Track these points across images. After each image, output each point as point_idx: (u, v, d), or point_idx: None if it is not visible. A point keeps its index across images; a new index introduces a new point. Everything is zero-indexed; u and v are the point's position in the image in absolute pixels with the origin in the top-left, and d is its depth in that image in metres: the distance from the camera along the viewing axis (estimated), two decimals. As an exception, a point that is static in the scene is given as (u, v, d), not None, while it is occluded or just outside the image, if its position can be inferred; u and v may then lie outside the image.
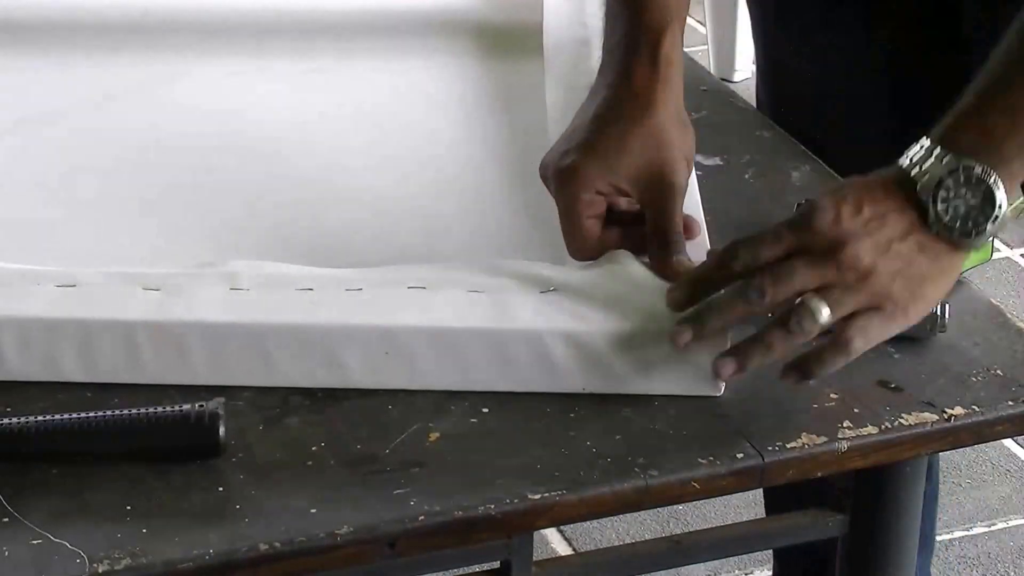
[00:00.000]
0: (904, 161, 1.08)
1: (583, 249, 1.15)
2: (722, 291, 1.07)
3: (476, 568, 1.09)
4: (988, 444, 2.20)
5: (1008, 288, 2.66)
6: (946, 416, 1.08)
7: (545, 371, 1.09)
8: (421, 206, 1.26)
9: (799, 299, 1.05)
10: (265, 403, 1.08)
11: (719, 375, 1.07)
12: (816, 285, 1.05)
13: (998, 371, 1.12)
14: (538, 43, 1.42)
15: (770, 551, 2.06)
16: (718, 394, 1.10)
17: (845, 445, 1.06)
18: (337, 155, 1.33)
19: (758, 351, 1.06)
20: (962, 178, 1.05)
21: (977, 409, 1.09)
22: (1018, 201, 1.08)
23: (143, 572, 0.95)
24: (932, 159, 1.06)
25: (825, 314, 1.04)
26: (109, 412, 1.03)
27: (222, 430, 1.03)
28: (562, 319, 1.09)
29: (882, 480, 1.15)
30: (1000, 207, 1.06)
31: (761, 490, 2.07)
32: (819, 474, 1.08)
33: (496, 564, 1.08)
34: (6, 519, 0.98)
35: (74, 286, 1.10)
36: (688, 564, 1.19)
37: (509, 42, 1.47)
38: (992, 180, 1.06)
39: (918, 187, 1.06)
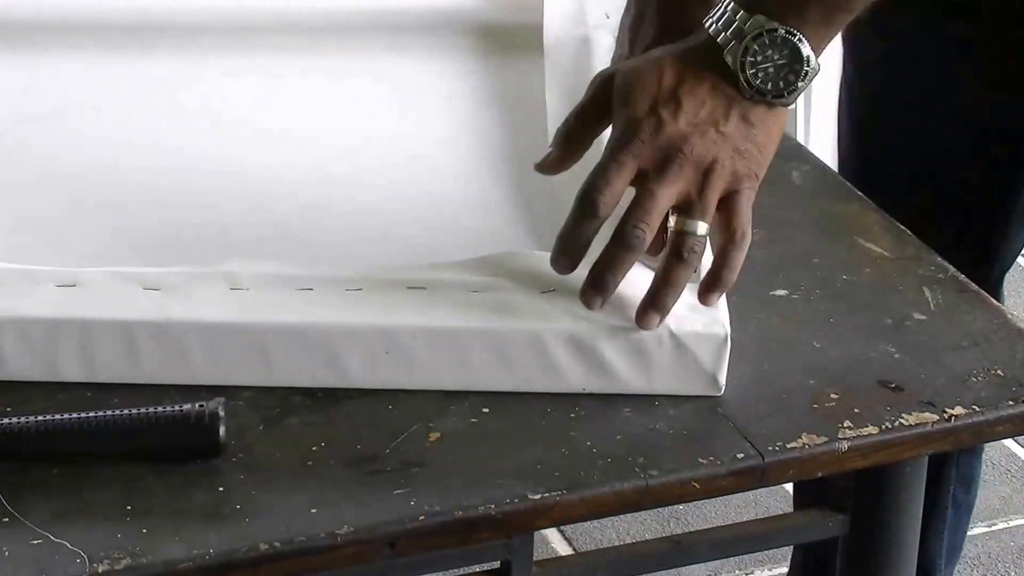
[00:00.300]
0: (708, 24, 1.09)
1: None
2: (605, 249, 1.08)
3: (476, 568, 1.09)
4: (989, 444, 2.19)
5: (1008, 288, 2.66)
6: (947, 416, 1.08)
7: (545, 371, 1.09)
8: (422, 205, 1.26)
9: (673, 230, 1.07)
10: (265, 403, 1.08)
11: (647, 328, 1.07)
12: (677, 199, 1.07)
13: (999, 371, 1.12)
14: (538, 42, 1.42)
15: (772, 551, 2.06)
16: (718, 394, 1.10)
17: (845, 445, 1.06)
18: (337, 154, 1.32)
19: (669, 291, 1.07)
20: (767, 40, 1.07)
21: (978, 409, 1.09)
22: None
23: (143, 572, 0.95)
24: (736, 22, 1.08)
25: (702, 227, 1.07)
26: (109, 412, 1.03)
27: (222, 430, 1.03)
28: (562, 319, 1.09)
29: (883, 480, 1.16)
30: (808, 61, 1.08)
31: (761, 490, 2.07)
32: (819, 474, 1.08)
33: (496, 564, 1.08)
34: (6, 519, 0.98)
35: (74, 286, 1.10)
36: (688, 564, 1.19)
37: (509, 41, 1.47)
38: (797, 38, 1.07)
39: (725, 55, 1.08)
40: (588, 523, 2.10)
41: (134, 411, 1.03)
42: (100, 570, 0.95)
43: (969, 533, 2.04)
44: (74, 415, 1.03)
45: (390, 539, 0.99)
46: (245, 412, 1.07)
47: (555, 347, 1.09)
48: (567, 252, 1.09)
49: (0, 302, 1.08)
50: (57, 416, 1.03)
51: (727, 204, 1.09)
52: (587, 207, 1.07)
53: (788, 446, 1.05)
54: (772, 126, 1.10)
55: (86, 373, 1.08)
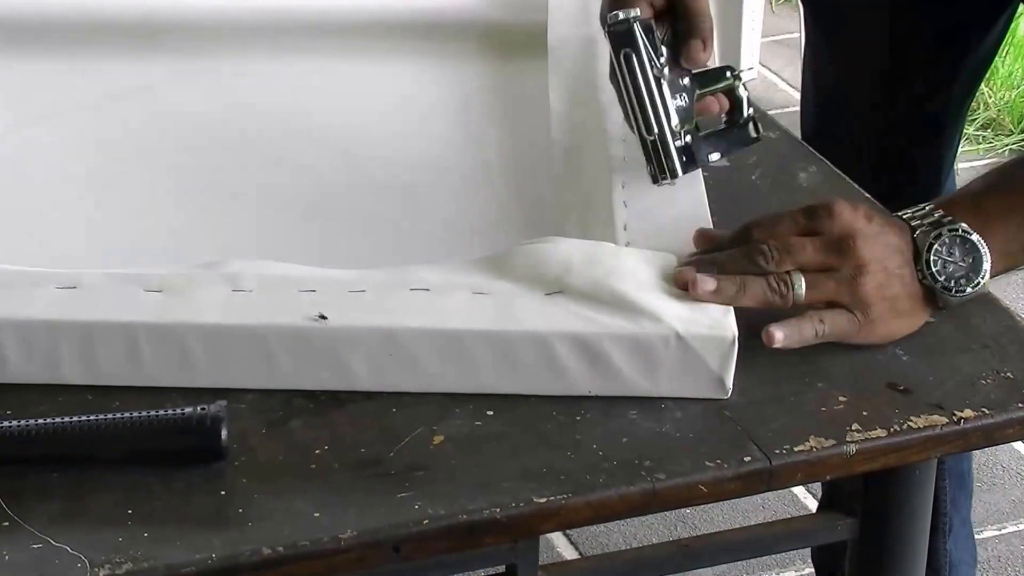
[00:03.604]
0: (905, 212, 1.15)
1: None
2: (731, 243, 1.13)
3: (481, 572, 1.09)
4: (998, 447, 2.19)
5: (1018, 291, 2.66)
6: (956, 419, 1.08)
7: (550, 373, 1.08)
8: (424, 206, 1.26)
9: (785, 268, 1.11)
10: (268, 406, 1.07)
11: (698, 286, 1.10)
12: (816, 267, 1.11)
13: (1008, 374, 1.12)
14: (542, 42, 1.42)
15: (780, 555, 2.06)
16: (725, 396, 1.09)
17: (853, 448, 1.05)
18: (340, 156, 1.32)
19: (732, 287, 1.10)
20: (956, 238, 1.13)
21: (987, 412, 1.09)
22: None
23: (144, 576, 0.95)
24: (931, 217, 1.14)
25: (801, 286, 1.10)
26: (110, 415, 1.03)
27: (224, 433, 1.02)
28: (568, 321, 1.08)
29: (891, 483, 1.15)
30: (984, 275, 1.13)
31: (769, 494, 2.07)
32: (827, 477, 1.09)
33: (502, 568, 1.08)
34: (6, 523, 0.98)
35: (75, 288, 1.09)
36: (695, 568, 1.19)
37: (513, 41, 1.47)
38: (983, 249, 1.13)
39: (916, 233, 1.13)
40: (594, 527, 2.09)
41: (135, 414, 1.03)
42: (101, 574, 0.94)
43: (979, 536, 2.04)
44: (75, 418, 1.03)
45: (394, 543, 0.98)
46: (247, 415, 1.06)
47: (560, 349, 1.08)
48: (700, 242, 1.14)
49: (0, 304, 1.08)
50: (58, 419, 1.02)
51: (831, 309, 1.12)
52: (741, 237, 1.13)
53: (796, 449, 1.05)
54: (919, 311, 1.14)
55: (87, 376, 1.08)
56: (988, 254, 1.13)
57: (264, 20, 1.50)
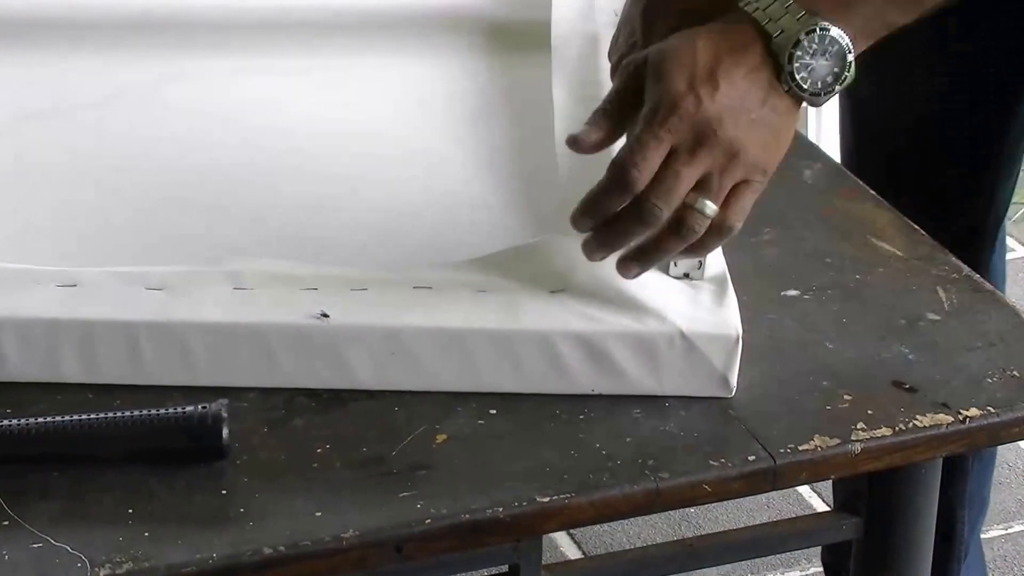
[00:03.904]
0: (749, 6, 1.08)
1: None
2: (621, 213, 1.07)
3: (484, 572, 1.09)
4: (1004, 446, 2.18)
5: (1023, 288, 2.65)
6: (961, 417, 1.07)
7: (554, 372, 1.08)
8: (428, 204, 1.25)
9: (682, 203, 1.07)
10: (269, 404, 1.07)
11: (625, 276, 1.08)
12: (697, 179, 1.07)
13: (1014, 372, 1.11)
14: (546, 39, 1.41)
15: (784, 555, 2.05)
16: (730, 395, 1.09)
17: (858, 447, 1.05)
18: (342, 153, 1.32)
19: (656, 255, 1.08)
20: (816, 38, 1.06)
21: (993, 410, 1.08)
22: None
23: (145, 576, 0.94)
24: (784, 12, 1.07)
25: (711, 210, 1.07)
26: (111, 414, 1.02)
27: (226, 432, 1.02)
28: (571, 320, 1.08)
29: (896, 482, 1.15)
30: (850, 67, 1.08)
31: (774, 493, 2.06)
32: (832, 477, 1.08)
33: (505, 568, 1.08)
34: (6, 522, 0.97)
35: (75, 286, 1.09)
36: (699, 568, 1.18)
37: (516, 38, 1.46)
38: (846, 43, 1.07)
39: (772, 43, 1.07)
40: (598, 526, 2.09)
41: (136, 413, 1.02)
42: (101, 574, 0.94)
43: (985, 536, 2.03)
44: (75, 417, 1.02)
45: (397, 543, 0.98)
46: (249, 414, 1.06)
47: (564, 348, 1.08)
48: (590, 215, 1.08)
49: (0, 302, 1.07)
50: (58, 418, 1.02)
51: (732, 191, 1.08)
52: (621, 179, 1.07)
53: (800, 448, 1.05)
54: (792, 122, 1.10)
55: (87, 374, 1.08)
56: (851, 46, 1.07)
57: (266, 16, 1.49)
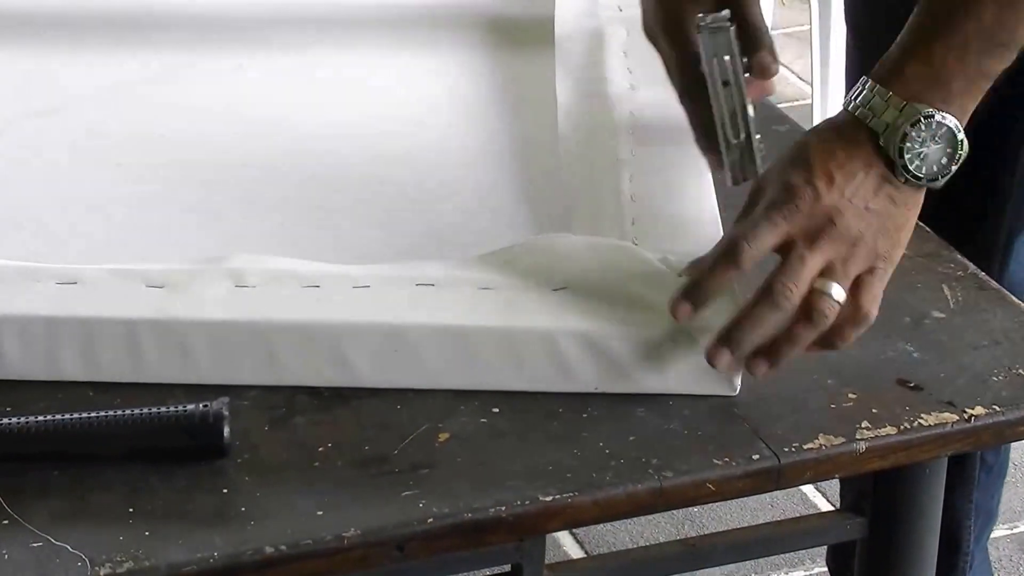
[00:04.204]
0: (851, 105, 1.10)
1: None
2: (750, 306, 1.07)
3: (486, 572, 1.08)
4: (1010, 445, 2.18)
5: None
6: (966, 416, 1.07)
7: (557, 370, 1.08)
8: (429, 201, 1.25)
9: (811, 287, 1.07)
10: (271, 403, 1.07)
11: (753, 374, 1.07)
12: (821, 266, 1.07)
13: (1019, 370, 1.11)
14: (549, 35, 1.41)
15: (788, 555, 2.05)
16: (734, 393, 1.08)
17: (863, 446, 1.05)
18: (343, 149, 1.32)
19: (787, 347, 1.07)
20: (923, 127, 1.07)
21: (998, 409, 1.08)
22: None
23: (146, 575, 0.94)
24: (886, 106, 1.09)
25: (839, 293, 1.07)
26: (111, 412, 1.02)
27: (227, 430, 1.02)
28: (574, 318, 1.08)
29: (901, 482, 1.14)
30: (962, 146, 1.08)
31: (778, 492, 2.05)
32: (837, 476, 1.07)
33: (507, 567, 1.07)
34: (6, 521, 0.97)
35: (75, 283, 1.09)
36: (703, 568, 1.18)
37: (519, 33, 1.46)
38: (953, 125, 1.08)
39: (881, 139, 1.08)
40: (601, 526, 2.09)
41: (137, 411, 1.02)
42: (102, 573, 0.94)
43: (991, 536, 2.03)
44: (75, 415, 1.02)
45: (398, 542, 0.97)
46: (250, 412, 1.06)
47: (567, 346, 1.07)
48: (692, 298, 1.08)
49: (0, 299, 1.07)
50: (58, 416, 1.02)
51: (860, 281, 1.08)
52: (731, 255, 1.07)
53: (805, 447, 1.04)
54: (913, 208, 1.10)
55: (88, 372, 1.07)
56: (960, 125, 1.08)
57: (267, 11, 1.49)
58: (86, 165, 1.29)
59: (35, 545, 0.95)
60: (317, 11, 1.49)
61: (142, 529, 0.96)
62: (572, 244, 1.13)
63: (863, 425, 1.06)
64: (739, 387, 1.08)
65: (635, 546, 2.06)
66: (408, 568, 1.01)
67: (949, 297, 1.18)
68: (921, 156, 1.08)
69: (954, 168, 1.09)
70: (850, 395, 1.08)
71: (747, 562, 2.02)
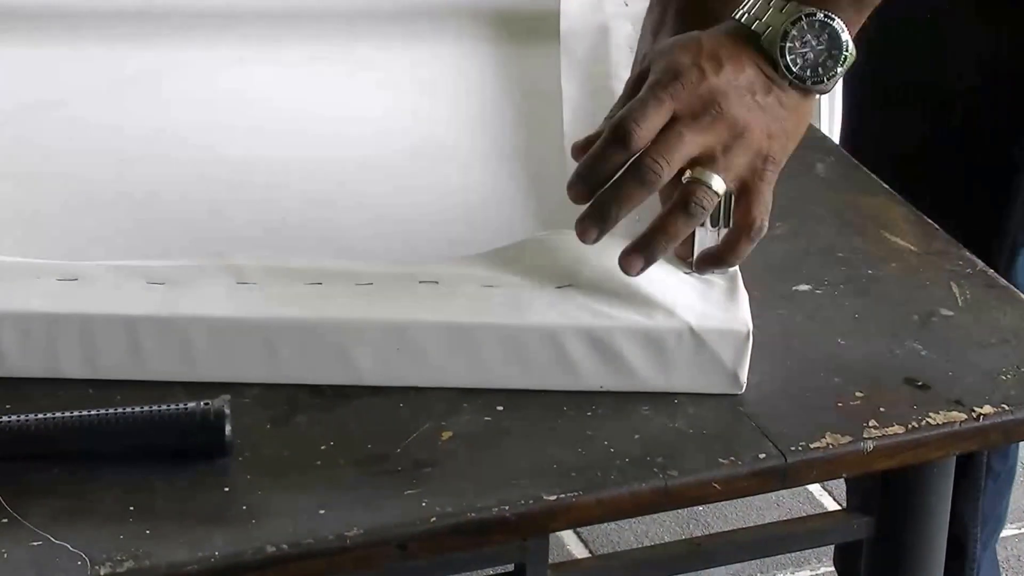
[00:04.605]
0: (740, 14, 1.09)
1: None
2: (615, 178, 1.06)
3: (490, 571, 1.08)
4: (1019, 444, 2.17)
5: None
6: (975, 415, 1.06)
7: (561, 368, 1.07)
8: (434, 196, 1.25)
9: (688, 178, 1.06)
10: (272, 401, 1.06)
11: (629, 272, 1.06)
12: (701, 150, 1.05)
13: (1029, 369, 1.11)
14: (555, 30, 1.41)
15: (794, 554, 2.05)
16: (740, 392, 1.08)
17: (871, 445, 1.04)
18: (347, 144, 1.31)
19: (661, 240, 1.06)
20: (805, 25, 1.07)
21: (1007, 408, 1.07)
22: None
23: (146, 575, 0.94)
24: (771, 10, 1.08)
25: (718, 182, 1.05)
26: (111, 410, 1.02)
27: (228, 429, 1.01)
28: (579, 315, 1.07)
29: (909, 481, 1.14)
30: (846, 46, 1.07)
31: (784, 491, 2.05)
32: (844, 475, 1.07)
33: (511, 567, 1.07)
34: (5, 520, 0.97)
35: (76, 280, 1.08)
36: (708, 567, 1.17)
37: (524, 28, 1.46)
38: (835, 23, 1.07)
39: (763, 40, 1.07)
40: (605, 525, 2.09)
41: (137, 409, 1.02)
42: (102, 573, 0.93)
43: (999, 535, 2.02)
44: (75, 413, 1.01)
45: (401, 541, 0.97)
46: (252, 410, 1.05)
47: (572, 344, 1.07)
48: (586, 180, 1.07)
49: (-1, 296, 1.07)
50: (58, 414, 1.01)
51: (748, 189, 1.07)
52: (620, 136, 1.05)
53: (811, 446, 1.04)
54: (803, 115, 1.09)
55: (88, 369, 1.07)
56: (843, 26, 1.07)
57: (270, 5, 1.49)
58: (86, 159, 1.29)
59: (34, 544, 0.95)
60: (320, 3, 1.49)
61: (142, 528, 0.96)
62: (576, 240, 1.12)
63: (870, 424, 1.05)
64: (745, 385, 1.08)
65: (640, 545, 2.06)
66: (411, 568, 1.01)
67: (957, 295, 1.18)
68: (804, 56, 1.07)
69: (839, 70, 1.07)
70: (857, 394, 1.08)
71: (753, 561, 2.02)
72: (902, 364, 1.10)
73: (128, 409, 1.02)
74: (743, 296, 1.10)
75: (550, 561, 1.07)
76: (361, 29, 1.47)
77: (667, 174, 1.05)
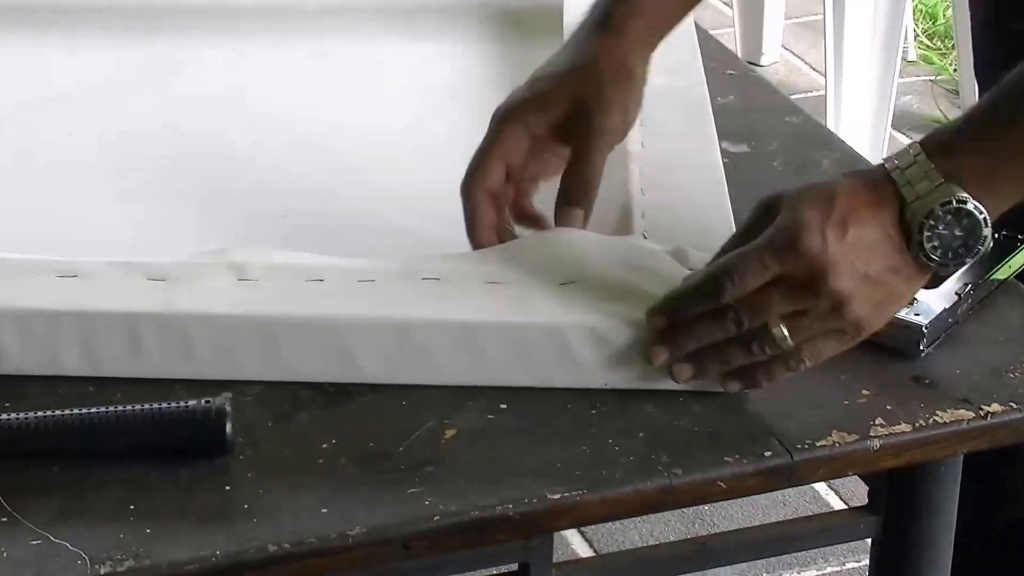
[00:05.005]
0: (889, 164, 1.05)
1: (472, 184, 1.14)
2: (701, 315, 1.05)
3: (493, 571, 1.07)
4: None
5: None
6: (983, 413, 1.06)
7: (565, 366, 1.07)
8: (437, 193, 1.25)
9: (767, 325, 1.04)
10: (274, 399, 1.06)
11: (675, 378, 1.06)
12: (790, 312, 1.04)
13: (1037, 366, 1.10)
14: (558, 25, 1.40)
15: (801, 553, 2.04)
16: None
17: (877, 443, 1.04)
18: (349, 140, 1.32)
19: (715, 364, 1.05)
20: (953, 211, 1.03)
21: (1015, 406, 1.07)
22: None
23: (147, 574, 0.93)
24: (924, 177, 1.04)
25: (788, 342, 1.04)
26: (112, 408, 1.01)
27: (229, 427, 1.01)
28: (583, 312, 1.07)
29: (916, 480, 1.13)
30: (984, 242, 1.04)
31: (790, 490, 2.04)
32: (850, 473, 1.06)
33: (514, 566, 1.06)
34: (5, 519, 0.96)
35: (76, 276, 1.08)
36: (714, 567, 1.17)
37: (528, 24, 1.46)
38: (982, 216, 1.03)
39: (907, 209, 1.04)
40: (609, 524, 2.08)
41: (138, 407, 1.01)
42: (102, 572, 0.93)
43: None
44: (75, 411, 1.01)
45: (404, 540, 0.97)
46: (253, 408, 1.05)
47: (576, 341, 1.06)
48: (667, 313, 1.05)
49: (-1, 293, 1.07)
50: (58, 412, 1.01)
51: (817, 337, 1.05)
52: (711, 288, 1.04)
53: (818, 444, 1.03)
54: (913, 286, 1.06)
55: (88, 367, 1.07)
56: (988, 219, 1.03)
57: (273, 1, 1.49)
58: (85, 156, 1.29)
59: (34, 543, 0.94)
60: (323, 0, 1.49)
61: (143, 527, 0.96)
62: (580, 238, 1.12)
63: (877, 422, 1.05)
64: (751, 383, 1.07)
65: (644, 545, 2.06)
66: (413, 567, 1.00)
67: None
68: (943, 240, 1.03)
69: (968, 261, 1.04)
70: (864, 391, 1.07)
71: (758, 561, 2.01)
72: (908, 362, 1.10)
73: (128, 407, 1.01)
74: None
75: (554, 560, 1.06)
76: (363, 25, 1.47)
77: (746, 328, 1.04)
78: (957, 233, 1.03)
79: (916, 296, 1.10)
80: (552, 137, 1.15)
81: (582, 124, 1.14)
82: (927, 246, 1.03)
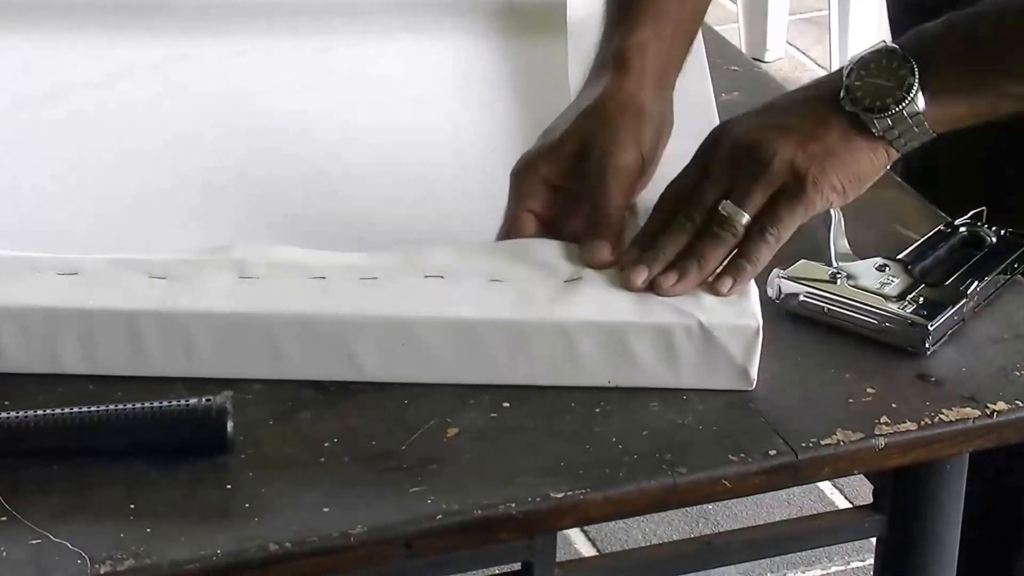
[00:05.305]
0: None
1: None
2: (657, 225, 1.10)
3: (496, 570, 1.07)
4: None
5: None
6: (989, 411, 1.06)
7: (569, 364, 1.06)
8: (439, 190, 1.25)
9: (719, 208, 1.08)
10: (275, 397, 1.06)
11: (662, 290, 1.07)
12: (728, 188, 1.08)
13: (1043, 364, 1.10)
14: (562, 21, 1.40)
15: (806, 552, 2.04)
16: (750, 388, 1.07)
17: (883, 442, 1.03)
18: (351, 137, 1.31)
19: (692, 261, 1.08)
20: (884, 59, 1.07)
21: (1021, 404, 1.06)
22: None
23: (147, 573, 0.93)
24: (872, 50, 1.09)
25: (741, 214, 1.07)
26: (112, 406, 1.01)
27: (230, 425, 1.01)
28: (587, 310, 1.07)
29: (922, 479, 1.13)
30: (911, 91, 1.06)
31: (795, 489, 2.04)
32: (855, 472, 1.06)
33: (517, 566, 1.06)
34: (4, 518, 0.96)
35: (76, 274, 1.08)
36: (718, 566, 1.17)
37: (532, 19, 1.46)
38: (911, 66, 1.06)
39: (843, 71, 1.08)
40: (613, 523, 2.08)
41: (138, 405, 1.01)
42: (102, 571, 0.93)
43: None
44: (75, 409, 1.01)
45: (406, 539, 0.97)
46: (254, 406, 1.05)
47: (580, 339, 1.06)
48: (637, 248, 1.09)
49: (-2, 291, 1.06)
50: (58, 410, 1.01)
51: (770, 204, 1.08)
52: (659, 206, 1.10)
53: (823, 443, 1.03)
54: (853, 141, 1.08)
55: (88, 365, 1.06)
56: (916, 71, 1.06)
57: None
58: (86, 153, 1.29)
59: (34, 542, 0.94)
60: None
61: (143, 526, 0.96)
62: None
63: (882, 420, 1.04)
64: (755, 382, 1.07)
65: (648, 544, 2.06)
66: (416, 566, 1.00)
67: (970, 290, 1.17)
68: (868, 83, 1.07)
69: (894, 110, 1.06)
70: (869, 390, 1.07)
71: (763, 560, 2.01)
72: (914, 360, 1.10)
73: (129, 405, 1.01)
74: (753, 291, 1.09)
75: (557, 559, 1.06)
76: (365, 21, 1.47)
77: (702, 219, 1.08)
78: (885, 81, 1.06)
79: (922, 295, 1.10)
80: (572, 186, 1.14)
81: (593, 163, 1.13)
82: (854, 88, 1.06)
